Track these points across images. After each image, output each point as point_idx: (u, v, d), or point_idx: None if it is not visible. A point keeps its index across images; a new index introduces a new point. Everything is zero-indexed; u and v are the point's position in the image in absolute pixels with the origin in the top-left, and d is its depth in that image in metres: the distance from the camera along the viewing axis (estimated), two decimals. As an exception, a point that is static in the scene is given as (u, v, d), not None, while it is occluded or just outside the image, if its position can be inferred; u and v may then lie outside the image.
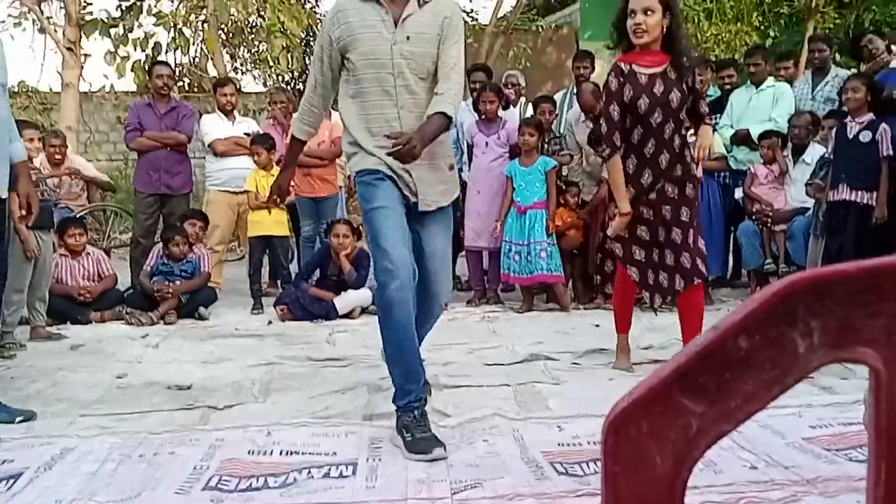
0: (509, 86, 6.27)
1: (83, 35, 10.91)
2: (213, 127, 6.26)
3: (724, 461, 2.45)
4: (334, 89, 2.95)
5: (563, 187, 5.66)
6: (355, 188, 2.96)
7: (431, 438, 2.61)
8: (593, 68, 6.36)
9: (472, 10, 13.00)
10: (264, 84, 14.14)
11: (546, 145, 5.81)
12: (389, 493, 2.29)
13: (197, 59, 13.37)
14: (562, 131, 6.25)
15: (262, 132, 6.28)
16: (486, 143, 5.58)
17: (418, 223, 2.86)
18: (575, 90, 6.45)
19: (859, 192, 4.59)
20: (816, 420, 2.81)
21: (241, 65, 14.64)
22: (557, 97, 6.43)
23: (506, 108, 5.88)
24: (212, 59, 12.44)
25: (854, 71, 6.53)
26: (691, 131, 3.56)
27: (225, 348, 4.44)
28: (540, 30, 12.94)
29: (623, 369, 3.64)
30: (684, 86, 3.33)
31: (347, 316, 5.29)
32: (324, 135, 6.17)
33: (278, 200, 3.04)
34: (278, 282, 6.36)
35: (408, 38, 2.76)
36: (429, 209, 2.85)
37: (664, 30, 3.30)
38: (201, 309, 5.45)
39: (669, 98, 3.30)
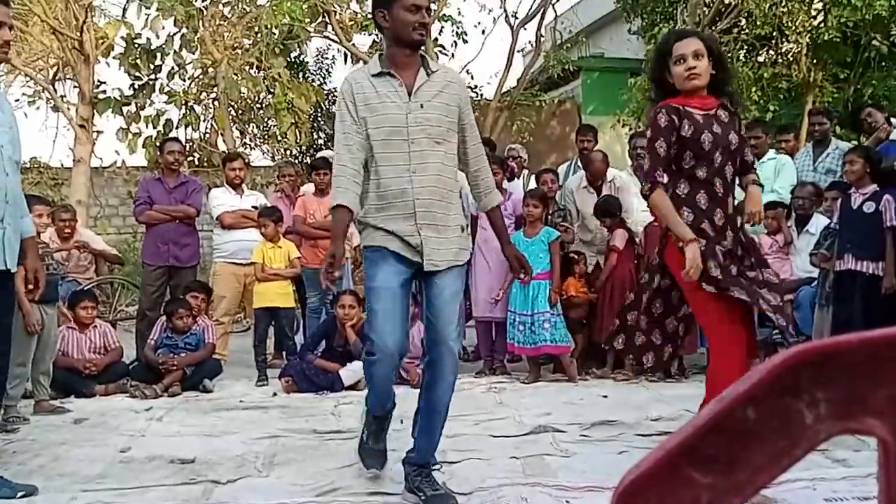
0: (511, 158, 6.38)
1: (96, 112, 11.18)
2: (222, 200, 6.34)
3: (738, 537, 2.39)
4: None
5: (575, 257, 5.69)
6: (361, 259, 3.01)
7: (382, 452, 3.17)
8: (596, 141, 6.48)
9: (476, 86, 13.26)
10: (272, 158, 14.38)
11: (550, 216, 5.87)
12: (395, 572, 2.24)
13: (207, 135, 13.63)
14: (563, 202, 6.33)
15: (269, 205, 6.36)
16: (493, 215, 5.63)
17: (426, 282, 2.95)
18: (578, 162, 6.57)
19: (865, 262, 4.59)
20: (831, 493, 2.76)
21: (250, 140, 14.94)
22: (561, 169, 6.52)
23: (510, 179, 5.96)
24: (222, 135, 12.69)
25: (854, 143, 6.64)
26: None
27: (229, 421, 4.39)
28: (543, 104, 13.19)
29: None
30: (736, 128, 3.18)
31: (353, 387, 5.24)
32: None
33: (334, 273, 2.86)
34: (283, 353, 6.35)
35: (421, 105, 2.90)
36: (436, 269, 2.90)
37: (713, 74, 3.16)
38: (206, 381, 5.42)
39: (729, 139, 3.10)
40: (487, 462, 3.32)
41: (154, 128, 11.99)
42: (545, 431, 3.84)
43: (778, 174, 5.99)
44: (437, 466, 3.01)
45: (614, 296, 5.47)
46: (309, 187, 7.12)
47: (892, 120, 5.80)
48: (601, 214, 5.62)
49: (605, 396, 4.75)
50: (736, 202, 3.20)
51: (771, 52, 10.69)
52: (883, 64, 10.25)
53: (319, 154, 8.41)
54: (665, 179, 3.09)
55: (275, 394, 5.19)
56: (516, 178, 6.22)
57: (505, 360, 5.81)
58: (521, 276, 3.07)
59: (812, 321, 5.04)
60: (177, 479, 3.25)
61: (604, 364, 5.60)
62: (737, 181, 3.24)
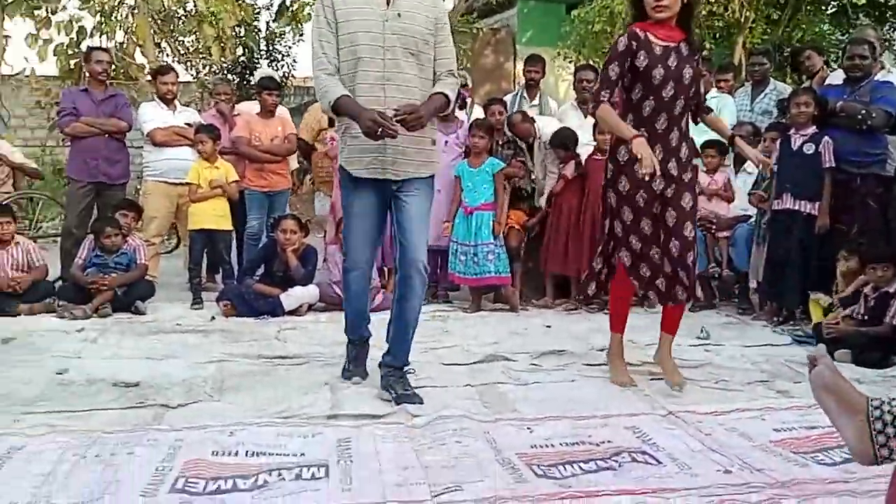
0: (462, 86, 6.24)
1: (5, 16, 10.39)
2: (153, 115, 6.02)
3: (698, 464, 2.47)
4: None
5: (527, 193, 5.68)
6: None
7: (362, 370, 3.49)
8: (544, 73, 6.41)
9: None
10: (196, 75, 13.71)
11: (500, 148, 5.81)
12: (367, 497, 2.22)
13: (124, 46, 12.89)
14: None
15: (204, 123, 6.08)
16: (446, 143, 5.52)
17: (394, 197, 3.12)
18: (525, 93, 6.49)
19: (802, 202, 4.74)
20: (780, 423, 2.87)
21: (171, 54, 14.19)
22: (507, 99, 6.44)
23: (462, 107, 5.86)
24: (141, 46, 12.01)
25: (789, 84, 6.78)
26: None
27: (168, 344, 4.26)
28: (479, 32, 12.96)
29: (621, 383, 3.41)
30: (695, 63, 3.29)
31: (294, 312, 5.16)
32: (277, 130, 6.06)
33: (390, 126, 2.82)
34: (217, 276, 6.18)
35: (399, 14, 2.96)
36: (397, 178, 3.06)
37: (682, 5, 3.25)
38: (138, 303, 5.23)
39: (683, 74, 3.22)
40: (444, 389, 3.33)
41: (66, 35, 11.26)
42: (495, 360, 3.86)
43: (719, 112, 6.06)
44: (410, 370, 3.31)
45: (560, 225, 5.49)
46: (245, 106, 6.85)
47: (831, 65, 5.93)
48: (556, 145, 5.58)
49: (549, 326, 4.81)
50: (688, 137, 3.35)
51: (707, -11, 10.74)
52: (809, 9, 10.42)
53: (260, 72, 8.07)
54: (607, 98, 3.26)
55: (213, 317, 5.05)
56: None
57: (446, 289, 5.81)
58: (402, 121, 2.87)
59: (748, 257, 5.20)
60: (124, 403, 3.13)
61: (543, 293, 5.67)
62: (688, 118, 3.36)
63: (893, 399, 1.69)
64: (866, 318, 4.07)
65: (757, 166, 3.49)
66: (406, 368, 3.29)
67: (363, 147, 3.01)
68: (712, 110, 3.55)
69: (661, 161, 3.17)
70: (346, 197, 3.23)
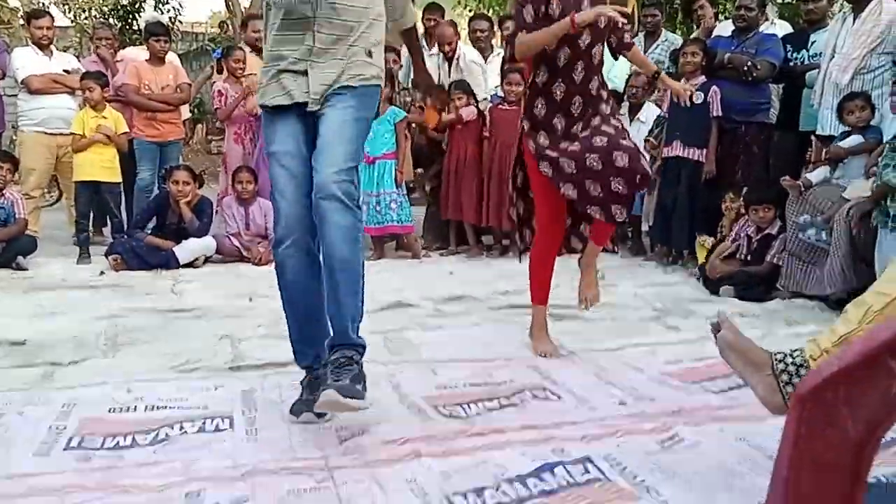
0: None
1: None
2: (28, 62, 5.65)
3: (595, 398, 2.58)
4: None
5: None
6: None
7: (306, 402, 2.36)
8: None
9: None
10: (74, 19, 12.89)
11: (397, 95, 5.76)
12: (274, 445, 2.20)
13: (-7, -14, 11.99)
14: (410, 84, 6.20)
15: (83, 70, 5.74)
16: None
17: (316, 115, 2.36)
18: (423, 40, 6.42)
19: (691, 150, 4.92)
20: (671, 356, 3.02)
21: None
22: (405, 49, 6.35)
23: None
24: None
25: (679, 35, 6.98)
26: None
27: (55, 301, 4.06)
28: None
29: (545, 353, 3.10)
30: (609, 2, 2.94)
31: (190, 265, 5.01)
32: (168, 78, 5.80)
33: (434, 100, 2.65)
34: (104, 230, 5.93)
35: None
36: (317, 108, 2.32)
37: None
38: (20, 258, 4.97)
39: (592, 52, 2.97)
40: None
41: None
42: (399, 307, 3.88)
43: (613, 63, 6.19)
44: (359, 342, 2.27)
45: (459, 173, 5.50)
46: (130, 52, 6.51)
47: (720, 18, 6.12)
48: (455, 89, 5.56)
49: (451, 273, 4.86)
50: (607, 86, 3.13)
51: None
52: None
53: (146, 17, 7.66)
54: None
55: (102, 272, 4.85)
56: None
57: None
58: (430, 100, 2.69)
59: (641, 203, 5.38)
60: (10, 363, 2.98)
61: (443, 241, 5.71)
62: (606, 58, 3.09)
63: (794, 351, 1.80)
64: (749, 258, 4.30)
65: (683, 100, 3.42)
66: (351, 344, 2.25)
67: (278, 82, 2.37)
68: (634, 45, 3.21)
69: (580, 114, 2.98)
70: (267, 136, 2.44)
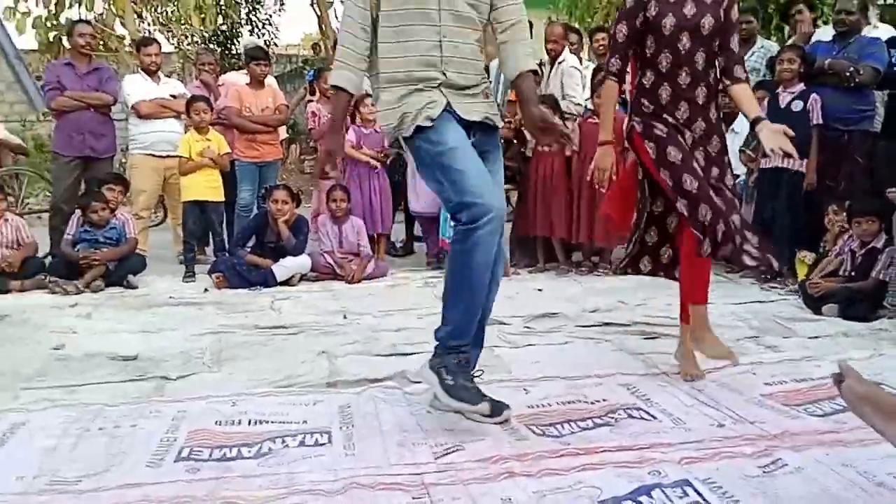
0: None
1: (-20, -10, 10.22)
2: (137, 88, 5.96)
3: (692, 419, 2.53)
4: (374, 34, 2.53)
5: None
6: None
7: (477, 392, 2.42)
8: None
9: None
10: (177, 46, 13.56)
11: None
12: (371, 460, 2.26)
13: (103, 16, 12.71)
14: (498, 100, 6.24)
15: (188, 94, 6.03)
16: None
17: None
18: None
19: (791, 160, 4.75)
20: (770, 377, 2.93)
21: (150, 24, 13.99)
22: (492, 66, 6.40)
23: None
24: (121, 17, 11.85)
25: (775, 42, 6.77)
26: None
27: (163, 317, 4.27)
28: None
29: (693, 376, 2.94)
30: (721, 11, 2.86)
31: (286, 283, 5.17)
32: (268, 101, 6.04)
33: (330, 171, 2.65)
34: (207, 249, 6.19)
35: None
36: (473, 119, 2.48)
37: None
38: (130, 277, 5.22)
39: (701, 22, 2.82)
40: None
41: (45, 7, 11.08)
42: (489, 324, 3.88)
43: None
44: (478, 372, 2.60)
45: (542, 188, 5.48)
46: (231, 76, 6.80)
47: (818, 22, 5.93)
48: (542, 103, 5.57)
49: (540, 290, 4.85)
50: (717, 95, 2.95)
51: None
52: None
53: (245, 42, 7.98)
54: (616, 68, 2.96)
55: (206, 290, 5.06)
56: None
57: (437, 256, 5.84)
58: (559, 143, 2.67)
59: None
60: (123, 377, 3.16)
61: (531, 257, 5.70)
62: (717, 77, 2.91)
63: None
64: (853, 273, 4.13)
65: (770, 154, 3.05)
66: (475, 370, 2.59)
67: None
68: (746, 81, 2.92)
69: (688, 119, 2.88)
70: (432, 137, 2.44)
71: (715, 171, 2.90)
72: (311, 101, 6.40)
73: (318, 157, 2.50)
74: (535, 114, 2.51)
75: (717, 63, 2.91)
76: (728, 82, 2.92)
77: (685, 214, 2.78)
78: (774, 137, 2.76)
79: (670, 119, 2.89)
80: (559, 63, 5.84)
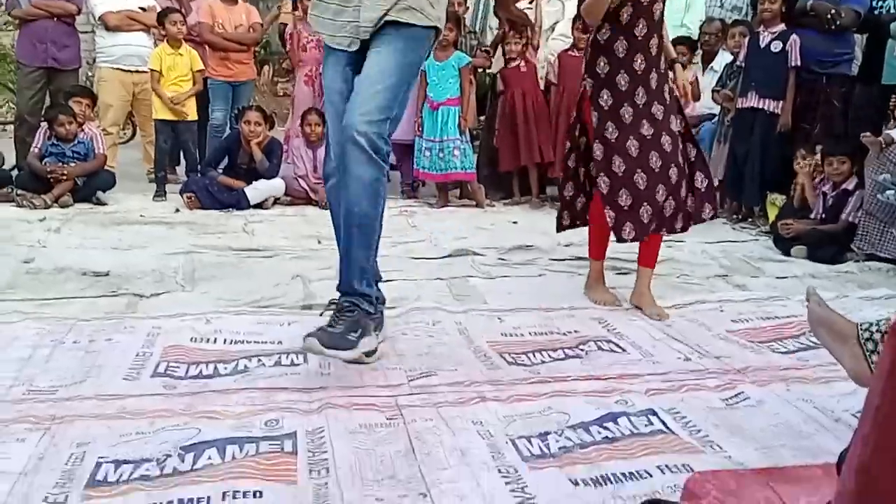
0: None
1: None
2: (105, -1, 5.76)
3: (659, 352, 2.59)
4: None
5: None
6: None
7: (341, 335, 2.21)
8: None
9: None
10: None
11: (463, 40, 5.72)
12: (346, 381, 2.29)
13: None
14: (477, 28, 6.16)
15: (160, 8, 5.83)
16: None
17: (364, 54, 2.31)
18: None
19: (767, 101, 4.79)
20: (737, 315, 3.00)
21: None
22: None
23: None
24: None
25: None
26: None
27: (134, 235, 4.23)
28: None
29: (602, 303, 3.12)
30: None
31: (259, 206, 5.13)
32: (241, 18, 5.87)
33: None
34: (177, 168, 6.09)
35: None
36: (365, 36, 2.27)
37: None
38: (99, 193, 5.16)
39: (653, 8, 2.90)
40: (415, 283, 3.38)
41: None
42: (464, 255, 3.92)
43: (688, 9, 6.04)
44: (365, 291, 2.36)
45: (512, 119, 5.44)
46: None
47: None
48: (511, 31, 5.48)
49: (515, 222, 4.88)
50: (667, 78, 3.02)
51: None
52: None
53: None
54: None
55: (177, 210, 5.01)
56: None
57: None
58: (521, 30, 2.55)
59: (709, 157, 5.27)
60: (95, 292, 3.14)
61: (506, 190, 5.71)
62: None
63: (880, 320, 1.78)
64: (824, 216, 4.20)
65: (680, 94, 3.08)
66: (358, 293, 2.33)
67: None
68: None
69: (644, 104, 2.92)
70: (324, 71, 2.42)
71: (675, 120, 2.99)
72: (285, 23, 6.21)
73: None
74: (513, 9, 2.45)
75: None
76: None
77: (603, 193, 2.94)
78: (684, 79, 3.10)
79: (623, 81, 2.91)
80: None
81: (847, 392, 2.13)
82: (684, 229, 3.06)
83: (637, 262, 3.16)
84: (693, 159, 3.06)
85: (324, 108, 2.43)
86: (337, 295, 2.40)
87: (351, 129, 2.17)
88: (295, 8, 5.81)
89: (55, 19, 5.52)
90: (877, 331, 1.76)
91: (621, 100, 2.93)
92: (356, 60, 2.32)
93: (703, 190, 3.07)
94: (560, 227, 3.28)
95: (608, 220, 2.94)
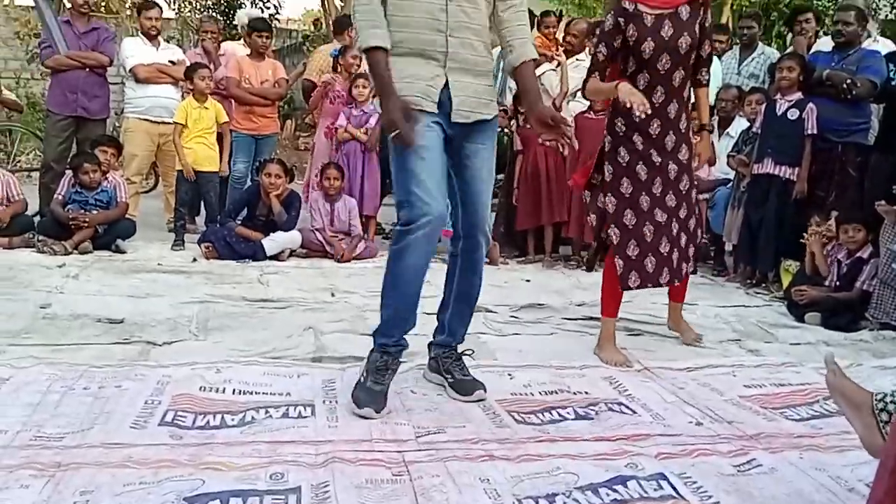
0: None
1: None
2: (137, 51, 5.94)
3: (671, 415, 2.56)
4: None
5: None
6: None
7: (376, 395, 2.46)
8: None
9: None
10: (178, 12, 13.42)
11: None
12: (353, 435, 2.28)
13: (104, -22, 12.59)
14: (497, 87, 6.24)
15: (189, 62, 6.00)
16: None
17: (457, 142, 2.51)
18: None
19: (783, 167, 4.81)
20: (750, 380, 2.96)
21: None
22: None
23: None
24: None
25: (776, 49, 6.80)
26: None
27: (151, 283, 4.27)
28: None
29: (614, 363, 3.11)
30: (697, 27, 3.04)
31: (275, 258, 5.18)
32: (267, 73, 6.02)
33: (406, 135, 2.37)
34: (196, 218, 6.17)
35: None
36: (466, 121, 2.48)
37: None
38: (119, 241, 5.23)
39: (679, 42, 2.99)
40: (425, 338, 3.37)
41: (45, -37, 10.97)
42: (476, 311, 3.90)
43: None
44: (468, 351, 2.86)
45: (531, 180, 5.50)
46: (232, 46, 6.76)
47: (820, 34, 5.96)
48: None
49: (528, 280, 4.88)
50: (687, 108, 3.19)
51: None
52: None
53: (243, 12, 7.93)
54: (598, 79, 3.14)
55: (194, 259, 5.07)
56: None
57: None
58: (558, 142, 2.66)
59: (723, 223, 5.28)
60: (109, 339, 3.16)
61: (520, 248, 5.72)
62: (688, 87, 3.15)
63: (895, 391, 1.78)
64: (838, 283, 4.17)
65: (695, 157, 3.26)
66: (464, 350, 2.83)
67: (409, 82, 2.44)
68: (707, 85, 3.31)
69: (658, 134, 3.06)
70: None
71: (685, 180, 3.19)
72: (310, 79, 6.37)
73: (392, 123, 2.34)
74: (544, 110, 2.56)
75: (689, 77, 3.15)
76: (696, 86, 3.25)
77: (613, 243, 3.13)
78: (705, 148, 3.41)
79: (638, 141, 3.10)
80: (578, 60, 5.82)
81: (861, 461, 2.09)
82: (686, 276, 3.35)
83: (668, 297, 3.53)
84: (683, 217, 3.23)
85: (405, 156, 2.42)
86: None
87: (483, 225, 2.64)
88: (335, 69, 6.00)
89: (87, 70, 5.67)
90: (891, 402, 1.75)
91: (637, 158, 3.11)
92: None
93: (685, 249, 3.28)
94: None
95: (617, 268, 3.11)
